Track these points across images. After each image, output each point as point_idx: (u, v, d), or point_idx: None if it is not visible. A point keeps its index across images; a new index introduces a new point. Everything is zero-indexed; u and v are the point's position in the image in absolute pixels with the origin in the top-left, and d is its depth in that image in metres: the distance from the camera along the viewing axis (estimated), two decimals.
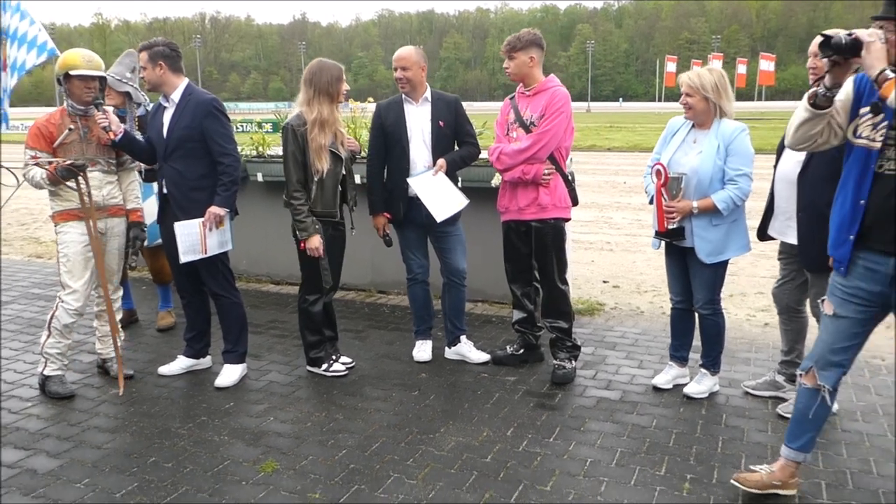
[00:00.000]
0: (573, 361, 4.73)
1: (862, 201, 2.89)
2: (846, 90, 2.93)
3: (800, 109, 2.98)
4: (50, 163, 4.31)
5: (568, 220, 4.70)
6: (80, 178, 4.34)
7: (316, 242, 4.49)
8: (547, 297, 4.76)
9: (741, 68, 55.22)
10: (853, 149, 2.92)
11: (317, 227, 4.50)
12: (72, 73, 4.36)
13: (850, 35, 2.70)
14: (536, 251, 4.67)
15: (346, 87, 4.56)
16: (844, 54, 2.70)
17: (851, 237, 2.94)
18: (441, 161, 4.69)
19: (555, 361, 4.73)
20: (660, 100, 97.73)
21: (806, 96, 2.95)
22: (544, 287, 4.76)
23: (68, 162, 4.30)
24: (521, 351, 4.95)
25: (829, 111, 2.91)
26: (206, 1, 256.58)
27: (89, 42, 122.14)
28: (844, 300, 3.03)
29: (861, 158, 2.89)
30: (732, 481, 3.28)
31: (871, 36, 2.68)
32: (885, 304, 2.95)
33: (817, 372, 3.13)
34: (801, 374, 3.23)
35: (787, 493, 3.26)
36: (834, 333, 3.09)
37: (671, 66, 57.80)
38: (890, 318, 3.02)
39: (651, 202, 4.27)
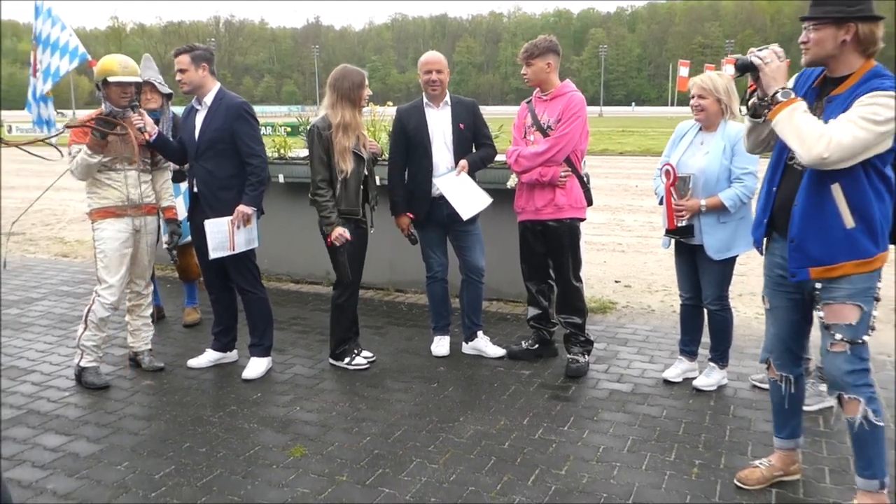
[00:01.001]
0: (586, 356, 4.90)
1: (774, 189, 3.13)
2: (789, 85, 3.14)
3: (745, 120, 3.22)
4: (85, 125, 4.51)
5: (583, 219, 4.88)
6: (117, 126, 4.57)
7: (339, 231, 4.69)
8: (561, 293, 4.93)
9: None
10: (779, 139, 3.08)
11: (339, 219, 4.70)
12: (109, 79, 4.58)
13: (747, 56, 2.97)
14: (552, 250, 4.85)
15: (368, 92, 4.76)
16: (748, 71, 2.99)
17: (765, 221, 3.18)
18: (463, 162, 4.90)
19: (569, 356, 4.91)
20: (672, 104, 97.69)
21: (746, 108, 3.18)
22: (559, 284, 4.94)
23: (98, 114, 4.52)
24: (536, 346, 5.13)
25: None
26: (221, 2, 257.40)
27: (105, 45, 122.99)
28: (775, 291, 3.25)
29: (779, 149, 3.12)
30: (736, 482, 3.41)
31: (767, 57, 2.92)
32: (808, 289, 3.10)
33: (773, 363, 3.35)
34: (766, 368, 3.44)
35: (791, 478, 3.43)
36: (776, 324, 3.30)
37: (684, 71, 57.60)
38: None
39: (661, 202, 4.45)
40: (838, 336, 2.98)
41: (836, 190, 2.87)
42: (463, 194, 4.86)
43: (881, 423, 3.01)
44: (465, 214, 4.86)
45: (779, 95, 2.88)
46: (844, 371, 3.00)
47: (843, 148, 2.74)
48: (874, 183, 2.88)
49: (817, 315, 3.06)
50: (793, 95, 2.88)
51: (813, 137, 2.77)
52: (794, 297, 3.20)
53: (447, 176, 4.89)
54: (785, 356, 3.31)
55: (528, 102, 4.92)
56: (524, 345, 5.16)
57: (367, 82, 4.76)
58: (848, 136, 2.75)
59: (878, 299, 3.02)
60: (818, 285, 2.99)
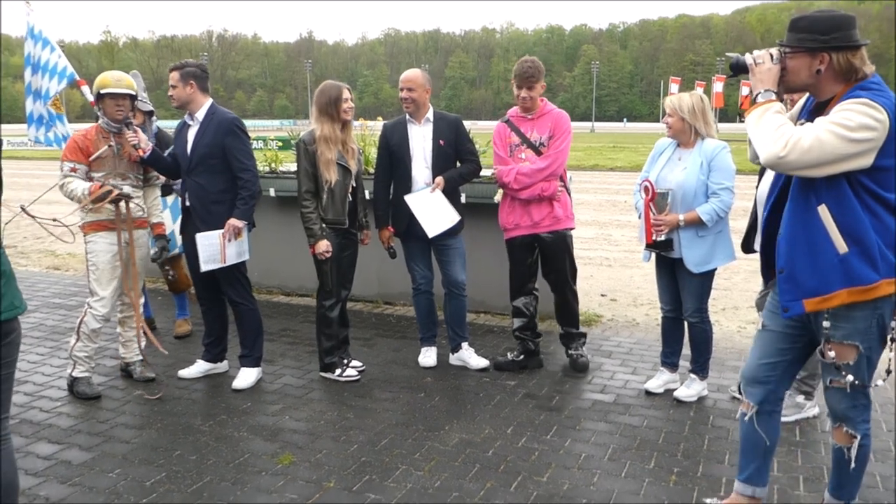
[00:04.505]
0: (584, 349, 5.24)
1: (764, 220, 3.07)
2: (795, 110, 3.18)
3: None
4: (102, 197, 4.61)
5: (574, 228, 5.12)
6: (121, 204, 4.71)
7: (323, 247, 4.80)
8: (562, 300, 5.18)
9: (744, 90, 55.41)
10: None
11: (324, 232, 4.82)
12: (102, 91, 4.70)
13: (743, 56, 2.97)
14: (552, 259, 5.06)
15: (347, 105, 4.79)
16: (742, 72, 2.95)
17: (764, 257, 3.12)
18: (439, 179, 4.99)
19: (572, 352, 5.19)
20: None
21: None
22: (560, 291, 5.16)
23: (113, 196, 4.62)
24: (521, 357, 5.23)
25: None
26: (216, 5, 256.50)
27: (98, 59, 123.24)
28: (773, 312, 3.04)
29: (774, 178, 3.08)
30: None
31: (760, 58, 2.88)
32: (808, 325, 2.94)
33: (743, 388, 3.14)
34: (740, 394, 3.27)
35: None
36: (761, 347, 3.09)
37: (675, 88, 58.08)
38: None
39: (640, 217, 4.57)
40: (850, 378, 2.80)
41: (824, 212, 2.71)
42: (431, 212, 4.97)
43: (866, 459, 2.96)
44: (431, 232, 4.97)
45: (759, 97, 2.83)
46: (845, 406, 2.87)
47: (803, 149, 2.62)
48: (867, 203, 2.68)
49: (828, 353, 2.82)
50: (773, 97, 2.81)
51: (774, 135, 2.67)
52: (792, 323, 2.97)
53: (419, 193, 5.00)
54: (756, 384, 3.07)
55: (506, 122, 5.04)
56: (510, 356, 5.26)
57: (346, 95, 4.78)
58: (810, 137, 2.62)
59: (893, 340, 2.78)
60: (826, 324, 2.80)
